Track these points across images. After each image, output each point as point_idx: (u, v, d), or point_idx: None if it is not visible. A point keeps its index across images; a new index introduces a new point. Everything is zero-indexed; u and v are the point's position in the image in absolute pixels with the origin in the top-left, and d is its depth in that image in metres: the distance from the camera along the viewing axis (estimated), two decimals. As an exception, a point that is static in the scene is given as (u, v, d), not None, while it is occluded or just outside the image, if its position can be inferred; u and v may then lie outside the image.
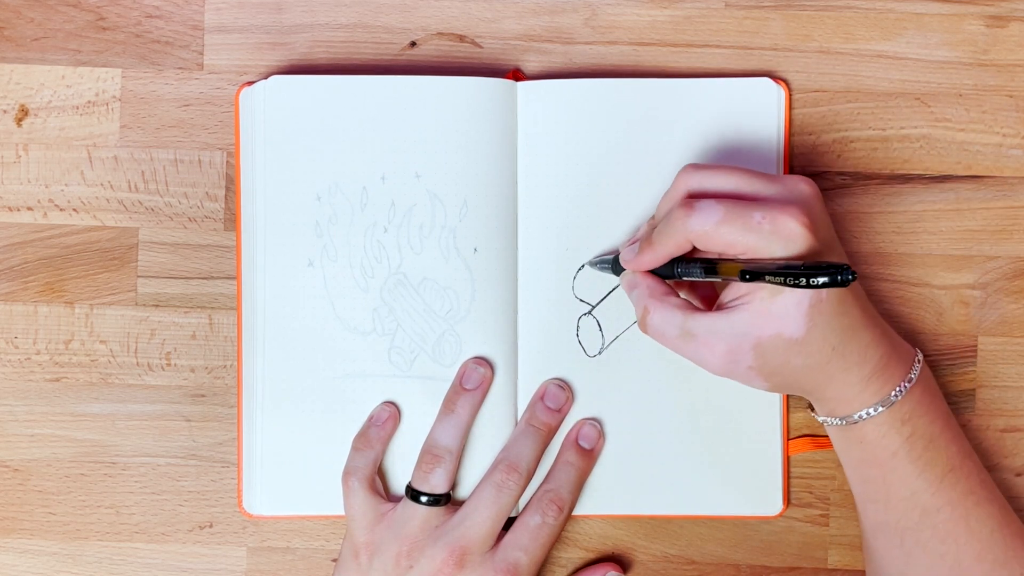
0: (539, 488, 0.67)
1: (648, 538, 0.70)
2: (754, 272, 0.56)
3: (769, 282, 0.56)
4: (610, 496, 0.68)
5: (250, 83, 0.68)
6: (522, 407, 0.68)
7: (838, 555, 0.70)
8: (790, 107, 0.69)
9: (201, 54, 0.70)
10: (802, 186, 0.60)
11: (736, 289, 0.60)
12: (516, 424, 0.68)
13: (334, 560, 0.70)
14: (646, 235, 0.63)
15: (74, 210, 0.70)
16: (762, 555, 0.70)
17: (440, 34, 0.70)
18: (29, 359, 0.70)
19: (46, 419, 0.70)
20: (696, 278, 0.61)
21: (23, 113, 0.70)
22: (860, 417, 0.61)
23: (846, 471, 0.65)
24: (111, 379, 0.70)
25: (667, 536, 0.70)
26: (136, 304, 0.70)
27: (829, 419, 0.63)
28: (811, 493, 0.70)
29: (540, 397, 0.68)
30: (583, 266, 0.68)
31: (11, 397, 0.70)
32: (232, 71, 0.70)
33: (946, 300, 0.69)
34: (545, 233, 0.68)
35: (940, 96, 0.69)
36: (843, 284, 0.54)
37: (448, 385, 0.67)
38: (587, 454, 0.67)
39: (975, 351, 0.70)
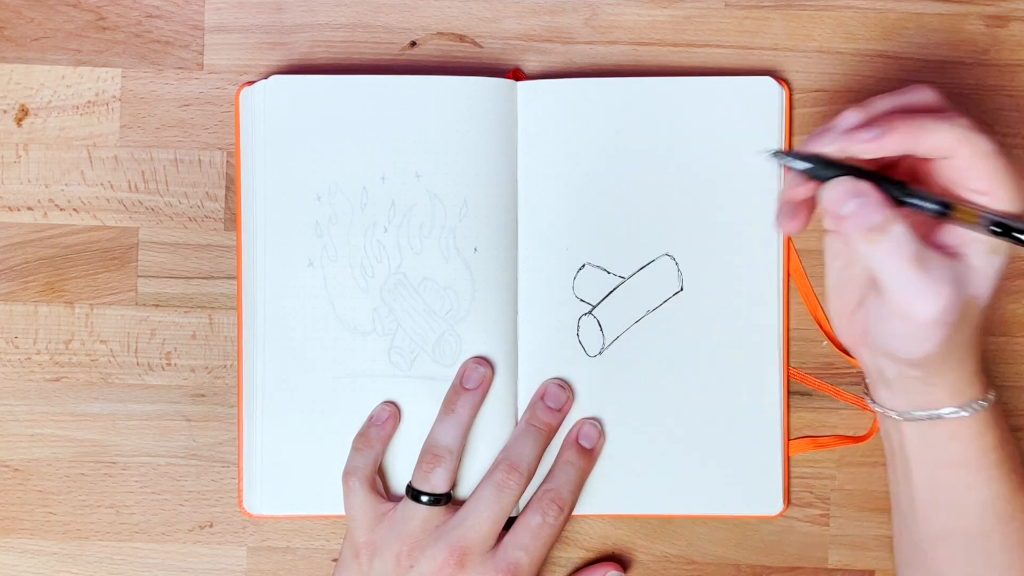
0: (539, 488, 0.67)
1: (648, 538, 0.70)
2: (1006, 227, 0.54)
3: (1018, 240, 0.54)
4: (610, 496, 0.68)
5: (250, 83, 0.68)
6: (522, 407, 0.68)
7: (838, 555, 0.70)
8: (790, 107, 0.69)
9: (201, 54, 0.70)
10: None
11: (954, 234, 0.57)
12: (516, 424, 0.68)
13: (334, 560, 0.70)
14: (882, 117, 0.57)
15: (74, 210, 0.70)
16: (762, 555, 0.70)
17: (440, 34, 0.70)
18: (29, 359, 0.70)
19: (46, 419, 0.70)
20: (923, 210, 0.56)
21: (23, 113, 0.70)
22: (972, 408, 0.60)
23: (914, 477, 0.62)
24: (111, 379, 0.70)
25: (667, 536, 0.70)
26: (136, 304, 0.70)
27: (921, 412, 0.61)
28: (811, 493, 0.70)
29: (540, 397, 0.68)
30: (583, 265, 0.68)
31: (11, 397, 0.70)
32: (232, 71, 0.70)
33: (946, 300, 0.69)
34: (545, 233, 0.68)
35: (940, 96, 0.69)
36: None
37: (448, 385, 0.67)
38: (587, 453, 0.67)
39: (975, 351, 0.70)
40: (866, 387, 0.65)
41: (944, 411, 0.61)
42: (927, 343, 0.57)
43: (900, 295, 0.56)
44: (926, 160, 0.57)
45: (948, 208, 0.56)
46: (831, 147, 0.57)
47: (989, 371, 0.69)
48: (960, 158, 0.56)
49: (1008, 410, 0.69)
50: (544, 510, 0.65)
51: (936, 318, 0.56)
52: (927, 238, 0.58)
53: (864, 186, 0.56)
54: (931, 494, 0.62)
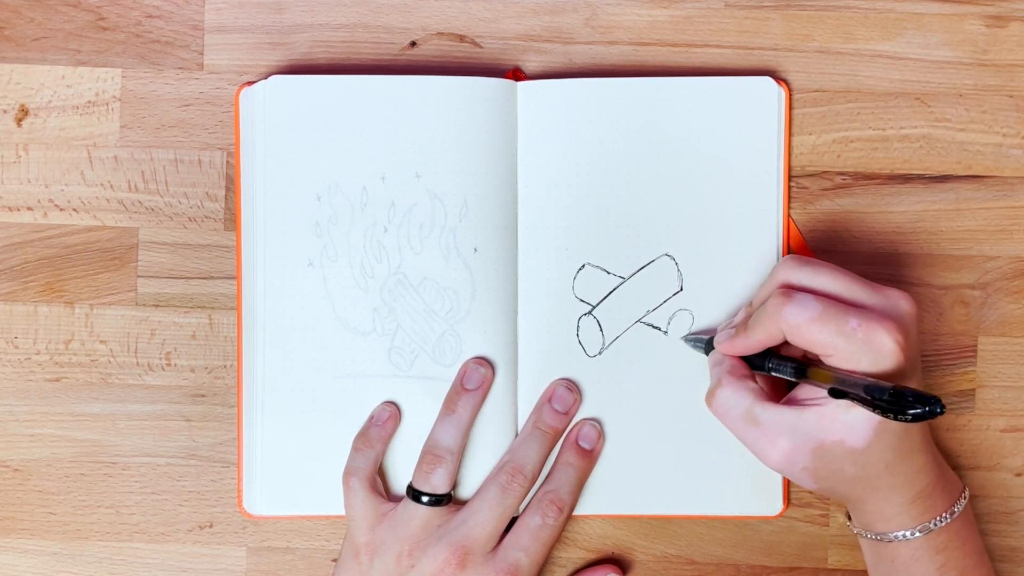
0: (539, 489, 0.67)
1: (648, 538, 0.70)
2: (843, 392, 0.56)
3: (857, 403, 0.56)
4: (610, 496, 0.68)
5: (250, 83, 0.68)
6: (522, 407, 0.68)
7: (838, 555, 0.70)
8: (790, 107, 0.69)
9: (201, 54, 0.70)
10: (903, 303, 0.60)
11: (811, 388, 0.60)
12: (516, 424, 0.68)
13: (334, 560, 0.70)
14: (742, 321, 0.63)
15: (74, 210, 0.70)
16: (762, 555, 0.70)
17: (440, 34, 0.70)
18: (29, 359, 0.70)
19: (46, 419, 0.70)
20: (785, 376, 0.61)
21: (23, 113, 0.70)
22: (895, 537, 0.61)
23: None
24: (111, 379, 0.70)
25: (667, 536, 0.70)
26: (136, 304, 0.70)
27: (864, 532, 0.63)
28: (811, 493, 0.70)
29: (548, 399, 0.67)
30: (583, 266, 0.68)
31: (11, 397, 0.70)
32: (232, 71, 0.70)
33: (946, 300, 0.69)
34: (545, 233, 0.68)
35: (940, 96, 0.70)
36: (931, 416, 0.54)
37: (448, 385, 0.67)
38: (587, 454, 0.67)
39: (975, 351, 0.70)
40: None
41: (872, 535, 0.62)
42: (803, 483, 0.61)
43: (746, 446, 0.61)
44: None
45: (803, 374, 0.60)
46: (717, 337, 0.64)
47: (990, 370, 0.69)
48: (790, 336, 0.59)
49: (1008, 410, 0.69)
50: (544, 511, 0.65)
51: (781, 465, 0.60)
52: (794, 391, 0.62)
53: (719, 357, 0.64)
54: None
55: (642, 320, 0.68)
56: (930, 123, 0.69)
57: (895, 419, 0.54)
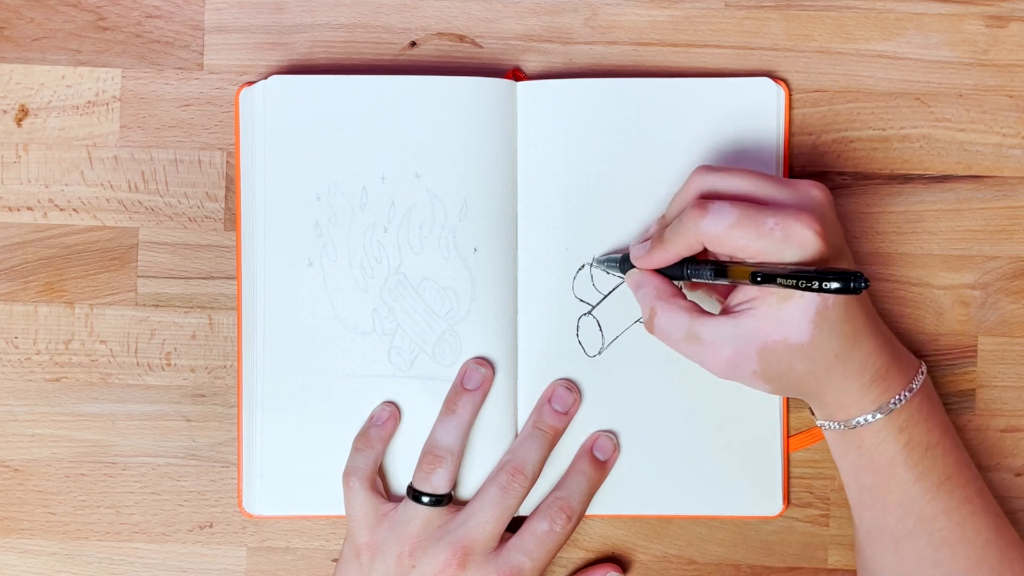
0: (550, 495, 0.66)
1: (648, 538, 0.70)
2: (765, 275, 0.56)
3: (780, 286, 0.56)
4: (610, 496, 0.68)
5: (250, 83, 0.68)
6: (522, 407, 0.68)
7: (838, 555, 0.70)
8: (790, 107, 0.69)
9: (201, 54, 0.70)
10: (815, 192, 0.60)
11: (744, 293, 0.60)
12: (516, 424, 0.68)
13: (334, 560, 0.70)
14: (657, 233, 0.63)
15: (74, 210, 0.70)
16: (762, 555, 0.70)
17: (440, 34, 0.70)
18: (29, 359, 0.70)
19: (46, 419, 0.70)
20: (705, 280, 0.61)
21: (23, 113, 0.70)
22: (858, 423, 0.61)
23: (843, 476, 0.65)
24: (111, 379, 0.70)
25: (667, 536, 0.70)
26: (136, 304, 0.70)
27: (828, 423, 0.63)
28: (811, 493, 0.70)
29: (548, 399, 0.67)
30: (583, 266, 0.68)
31: (11, 397, 0.70)
32: (232, 71, 0.70)
33: (946, 300, 0.69)
34: (545, 233, 0.68)
35: (940, 96, 0.70)
36: (855, 291, 0.54)
37: (448, 385, 0.67)
38: (601, 465, 0.67)
39: (975, 351, 0.70)
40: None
41: (836, 424, 0.62)
42: (758, 386, 0.61)
43: (693, 361, 0.61)
44: None
45: (722, 273, 0.60)
46: (633, 252, 0.64)
47: (990, 370, 0.69)
48: (710, 245, 0.60)
49: (1008, 410, 0.69)
50: (552, 517, 0.65)
51: (726, 371, 0.60)
52: (728, 299, 0.62)
53: (641, 279, 0.64)
54: (857, 495, 0.64)
55: (642, 320, 0.68)
56: (930, 123, 0.69)
57: (820, 291, 0.55)
